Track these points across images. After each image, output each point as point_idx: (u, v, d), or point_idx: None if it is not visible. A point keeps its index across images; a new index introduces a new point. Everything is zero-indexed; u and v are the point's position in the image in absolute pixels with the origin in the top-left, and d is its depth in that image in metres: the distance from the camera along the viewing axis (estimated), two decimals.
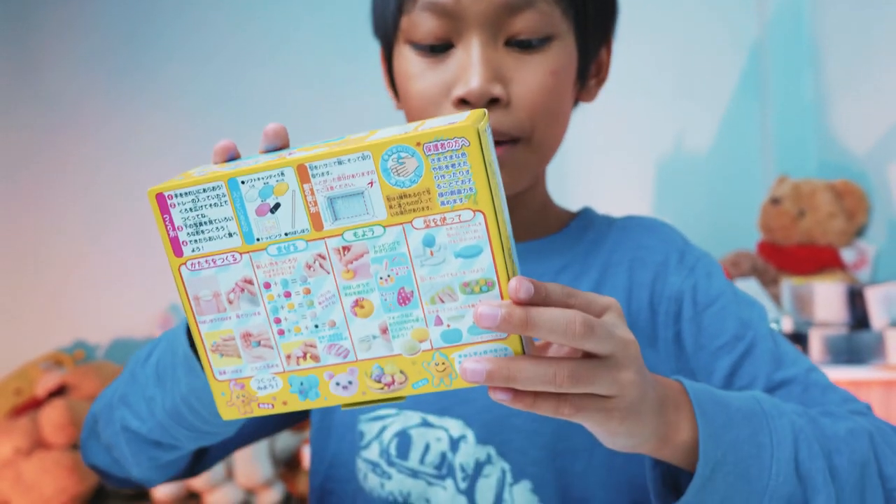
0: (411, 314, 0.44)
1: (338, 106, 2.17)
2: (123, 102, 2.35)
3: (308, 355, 0.46)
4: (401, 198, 0.42)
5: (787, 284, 1.61)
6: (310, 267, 0.44)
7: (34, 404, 2.01)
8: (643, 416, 0.45)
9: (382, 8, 0.67)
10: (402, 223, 0.43)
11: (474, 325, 0.43)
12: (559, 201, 0.73)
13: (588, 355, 0.43)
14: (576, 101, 0.69)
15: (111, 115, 2.36)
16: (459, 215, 0.42)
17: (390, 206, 0.42)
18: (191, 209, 0.45)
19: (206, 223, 0.45)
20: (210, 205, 0.45)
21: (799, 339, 1.46)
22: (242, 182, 0.44)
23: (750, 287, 1.64)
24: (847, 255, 1.75)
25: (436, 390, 0.45)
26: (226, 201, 0.44)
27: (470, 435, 0.64)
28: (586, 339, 0.41)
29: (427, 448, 0.65)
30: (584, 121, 0.81)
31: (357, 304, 0.44)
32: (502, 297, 0.42)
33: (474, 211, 0.42)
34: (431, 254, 0.43)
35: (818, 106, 1.98)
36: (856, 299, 1.48)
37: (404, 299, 0.44)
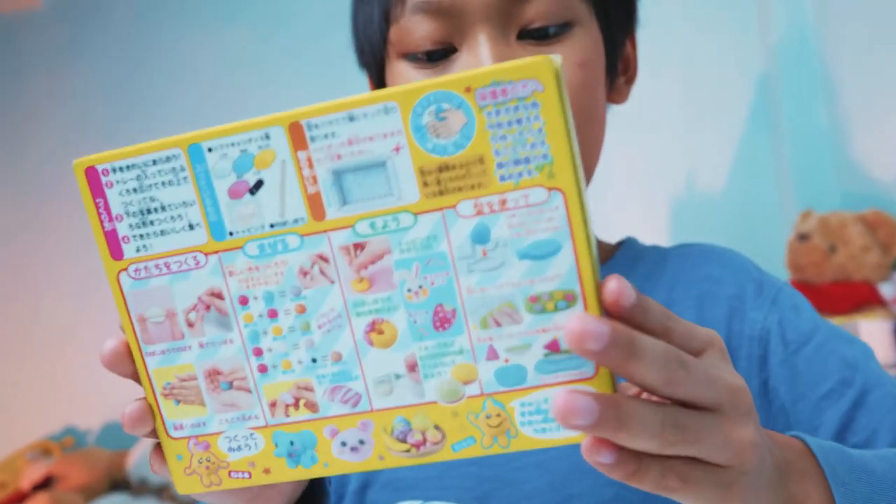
0: (452, 344, 0.31)
1: None
2: None
3: (302, 402, 0.34)
4: (440, 170, 0.30)
5: None
6: (306, 274, 0.32)
7: (18, 499, 1.89)
8: (761, 490, 0.34)
9: (365, 25, 0.56)
10: (441, 208, 0.30)
11: (546, 360, 0.31)
12: None
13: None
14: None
15: None
16: (527, 195, 0.29)
17: (425, 184, 0.30)
18: (135, 189, 0.32)
19: (156, 210, 0.32)
20: (162, 183, 0.32)
21: None
22: (209, 149, 0.31)
23: None
24: (886, 289, 1.65)
25: (486, 453, 0.32)
26: (185, 178, 0.32)
27: None
28: (682, 383, 0.30)
29: None
30: None
31: (374, 328, 0.32)
32: None
33: (549, 189, 0.29)
34: (484, 254, 0.30)
35: (835, 134, 1.90)
36: None
37: (443, 322, 0.31)
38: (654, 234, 2.00)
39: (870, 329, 1.41)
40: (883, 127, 1.75)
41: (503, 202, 0.30)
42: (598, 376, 0.31)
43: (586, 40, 0.53)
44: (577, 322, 0.28)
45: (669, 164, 2.03)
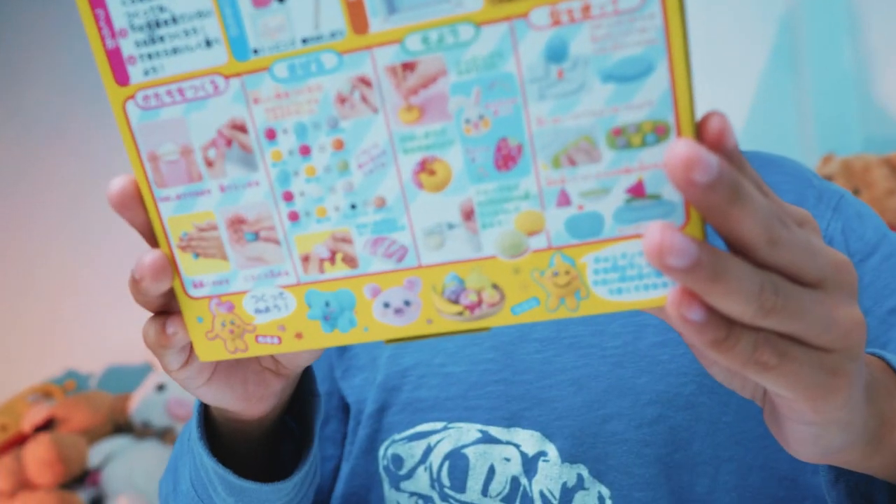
0: (517, 187, 0.27)
1: None
2: (109, 115, 2.21)
3: (339, 256, 0.29)
4: None
5: None
6: (344, 101, 0.27)
7: (19, 440, 1.86)
8: (861, 390, 0.29)
9: None
10: (509, 17, 0.25)
11: (628, 207, 0.26)
12: None
13: None
14: None
15: (97, 129, 2.23)
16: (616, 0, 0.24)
17: None
18: None
19: (166, 23, 0.27)
20: None
21: None
22: None
23: None
24: None
25: (551, 317, 0.28)
26: None
27: (552, 451, 0.47)
28: (785, 245, 0.25)
29: (491, 473, 0.48)
30: None
31: (424, 167, 0.27)
32: None
33: None
34: (560, 75, 0.25)
35: (860, 76, 1.85)
36: None
37: (507, 160, 0.27)
38: None
39: None
40: None
41: (586, 8, 0.24)
42: (689, 228, 0.26)
43: None
44: (684, 145, 0.23)
45: None
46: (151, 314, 0.33)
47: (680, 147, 0.24)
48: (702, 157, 0.23)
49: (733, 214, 0.25)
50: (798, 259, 0.26)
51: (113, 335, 2.17)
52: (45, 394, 2.06)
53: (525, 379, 0.49)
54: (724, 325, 0.26)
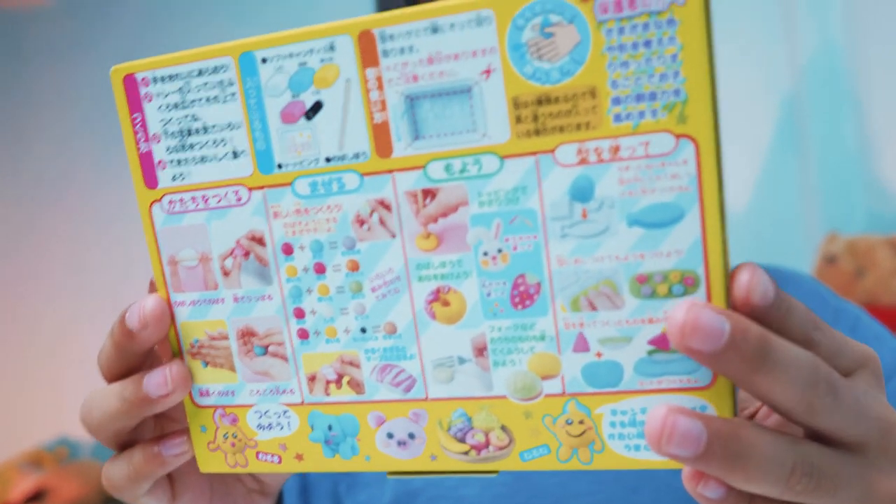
0: (533, 326, 0.26)
1: None
2: (110, 178, 2.22)
3: (345, 380, 0.29)
4: (539, 103, 0.24)
5: None
6: (363, 223, 0.27)
7: None
8: None
9: None
10: (535, 152, 0.25)
11: (650, 359, 0.25)
12: None
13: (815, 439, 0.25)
14: None
15: (98, 192, 2.24)
16: (648, 143, 0.23)
17: (518, 119, 0.24)
18: (176, 105, 0.28)
19: (198, 132, 0.28)
20: (207, 99, 0.27)
21: None
22: (263, 60, 0.26)
23: None
24: None
25: (561, 468, 0.27)
26: (234, 94, 0.27)
27: None
28: (827, 412, 0.23)
29: None
30: None
31: (438, 297, 0.27)
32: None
33: (678, 136, 0.23)
34: (584, 215, 0.25)
35: (863, 154, 1.86)
36: None
37: (523, 297, 0.26)
38: None
39: None
40: None
41: (615, 149, 0.24)
42: (716, 387, 0.25)
43: None
44: (684, 309, 0.22)
45: None
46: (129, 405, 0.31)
47: (677, 312, 0.22)
48: (702, 325, 0.22)
49: (759, 382, 0.23)
50: (841, 424, 0.24)
51: None
52: (35, 461, 2.03)
53: None
54: (745, 500, 0.24)
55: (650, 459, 0.26)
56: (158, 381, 0.29)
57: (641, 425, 0.26)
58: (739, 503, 0.24)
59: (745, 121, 1.97)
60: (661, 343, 0.25)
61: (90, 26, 2.23)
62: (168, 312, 0.30)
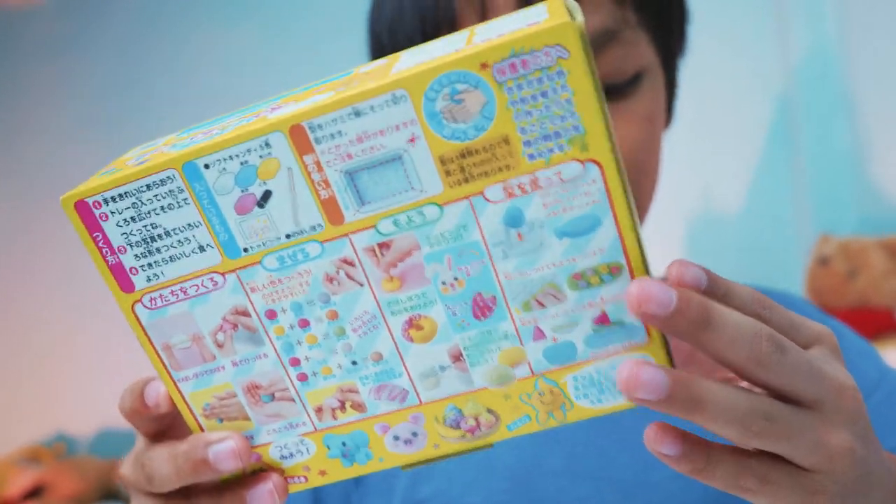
0: (496, 330, 0.31)
1: None
2: None
3: (348, 404, 0.33)
4: (462, 156, 0.28)
5: None
6: (332, 280, 0.30)
7: None
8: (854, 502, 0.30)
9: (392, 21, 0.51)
10: (468, 196, 0.29)
11: (596, 334, 0.30)
12: None
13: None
14: None
15: None
16: (560, 172, 0.28)
17: (447, 173, 0.28)
18: (133, 218, 0.30)
19: (161, 237, 0.30)
20: (162, 208, 0.30)
21: None
22: (206, 166, 0.29)
23: None
24: None
25: (543, 428, 0.32)
26: (186, 199, 0.29)
27: None
28: (775, 367, 0.27)
29: None
30: None
31: (412, 324, 0.31)
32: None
33: (583, 161, 0.28)
34: (520, 237, 0.29)
35: (855, 156, 1.87)
36: None
37: (483, 310, 0.30)
38: (669, 253, 1.97)
39: (889, 357, 1.37)
40: None
41: (535, 182, 0.28)
42: (651, 342, 0.29)
43: (653, 89, 0.49)
44: (636, 285, 0.27)
45: (686, 183, 2.00)
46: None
47: (633, 287, 0.27)
48: (653, 294, 0.26)
49: (705, 339, 0.27)
50: (793, 381, 0.27)
51: (106, 397, 2.16)
52: (33, 457, 2.04)
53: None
54: (702, 455, 0.28)
55: (612, 405, 0.31)
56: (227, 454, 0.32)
57: (600, 384, 0.31)
58: (696, 458, 0.28)
59: (738, 122, 1.98)
60: (602, 320, 0.30)
61: (85, 26, 2.23)
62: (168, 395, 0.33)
